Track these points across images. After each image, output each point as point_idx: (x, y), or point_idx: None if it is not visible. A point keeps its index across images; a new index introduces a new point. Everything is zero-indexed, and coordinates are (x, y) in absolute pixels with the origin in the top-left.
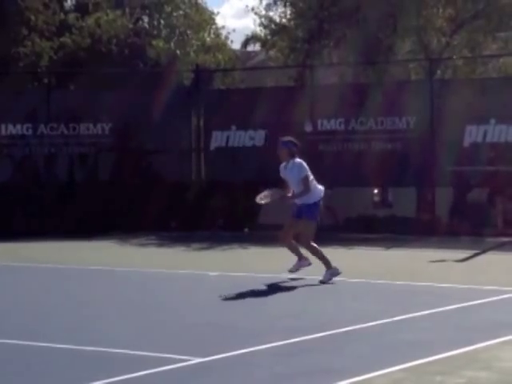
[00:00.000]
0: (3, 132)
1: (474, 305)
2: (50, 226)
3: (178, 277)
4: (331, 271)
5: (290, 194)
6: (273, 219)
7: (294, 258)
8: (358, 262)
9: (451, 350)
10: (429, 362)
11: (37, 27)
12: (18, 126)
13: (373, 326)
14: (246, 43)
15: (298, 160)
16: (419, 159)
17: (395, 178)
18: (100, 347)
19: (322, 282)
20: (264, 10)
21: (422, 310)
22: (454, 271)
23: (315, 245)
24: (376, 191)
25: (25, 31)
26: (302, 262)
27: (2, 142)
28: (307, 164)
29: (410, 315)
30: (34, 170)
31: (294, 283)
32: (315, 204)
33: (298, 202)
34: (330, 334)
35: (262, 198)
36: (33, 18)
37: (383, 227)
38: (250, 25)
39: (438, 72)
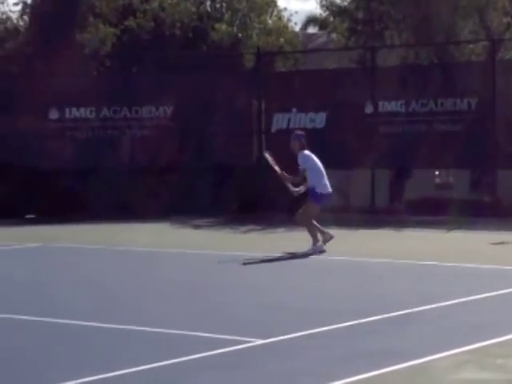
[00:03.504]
0: (67, 115)
1: None
2: (112, 209)
3: (237, 259)
4: (317, 247)
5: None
6: (334, 201)
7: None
8: (420, 245)
9: None
10: (492, 345)
11: (101, 13)
12: (82, 109)
13: (435, 308)
14: (306, 25)
15: (304, 152)
16: (481, 141)
17: (456, 160)
18: (163, 329)
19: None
20: None
21: (485, 292)
22: None
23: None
24: (437, 173)
25: (90, 18)
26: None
27: (66, 125)
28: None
29: (473, 297)
30: (97, 152)
31: (355, 266)
32: (322, 194)
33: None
34: (392, 316)
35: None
36: (97, 4)
37: (444, 209)
38: (314, 7)
39: (500, 52)
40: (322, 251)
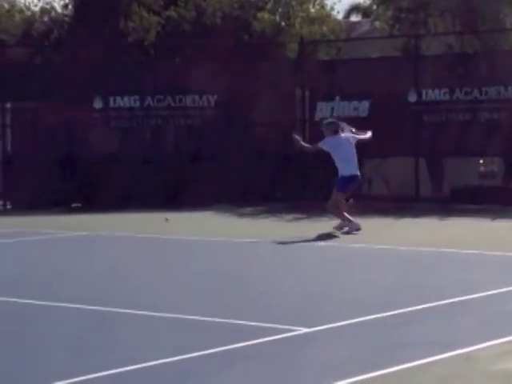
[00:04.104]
0: (111, 104)
1: None
2: (157, 198)
3: (282, 247)
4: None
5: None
6: (375, 190)
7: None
8: (464, 233)
9: None
10: None
11: (145, 2)
12: (126, 99)
13: (479, 297)
14: (348, 13)
15: (329, 137)
16: None
17: (501, 149)
18: (205, 317)
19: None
20: None
21: None
22: None
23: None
24: (482, 161)
25: (135, 7)
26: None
27: (110, 114)
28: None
29: None
30: (141, 141)
31: (398, 255)
32: (344, 179)
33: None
34: (435, 306)
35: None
36: None
37: (489, 198)
38: None
39: None
40: (350, 231)
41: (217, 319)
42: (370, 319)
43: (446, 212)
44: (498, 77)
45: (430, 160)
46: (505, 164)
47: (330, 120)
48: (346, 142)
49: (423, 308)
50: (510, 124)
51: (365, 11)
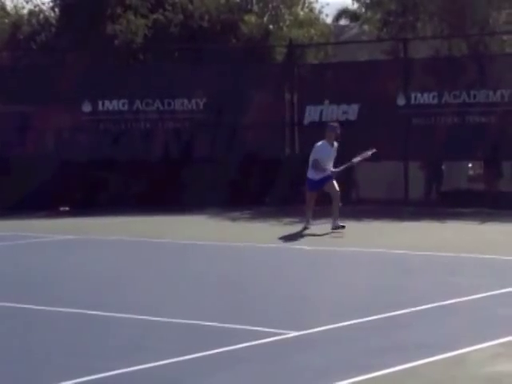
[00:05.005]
0: (100, 108)
1: None
2: (145, 201)
3: (272, 251)
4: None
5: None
6: (368, 194)
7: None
8: (453, 237)
9: None
10: None
11: (132, 5)
12: (115, 102)
13: (468, 300)
14: (338, 17)
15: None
16: None
17: (489, 152)
18: (196, 320)
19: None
20: None
21: None
22: None
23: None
24: (470, 165)
25: (119, 9)
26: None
27: (99, 118)
28: None
29: (507, 290)
30: (130, 145)
31: (388, 258)
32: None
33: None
34: (425, 309)
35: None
36: None
37: (477, 201)
38: None
39: None
40: None
41: (207, 322)
42: (360, 322)
43: (435, 215)
44: (487, 80)
45: (427, 163)
46: (487, 167)
47: (336, 125)
48: None
49: (413, 311)
50: (498, 128)
51: (353, 15)
